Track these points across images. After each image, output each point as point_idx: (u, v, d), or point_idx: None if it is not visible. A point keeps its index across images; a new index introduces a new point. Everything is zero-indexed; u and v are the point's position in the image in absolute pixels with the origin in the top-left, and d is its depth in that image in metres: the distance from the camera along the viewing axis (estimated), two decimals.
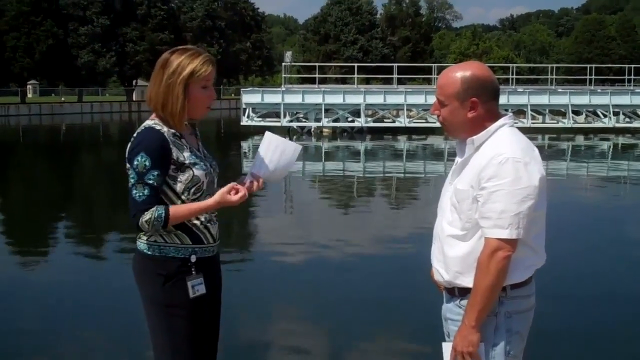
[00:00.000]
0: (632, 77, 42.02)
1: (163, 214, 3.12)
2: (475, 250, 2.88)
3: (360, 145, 31.88)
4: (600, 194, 17.60)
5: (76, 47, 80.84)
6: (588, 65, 43.90)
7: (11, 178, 21.72)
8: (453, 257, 2.97)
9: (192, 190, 3.21)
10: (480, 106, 2.92)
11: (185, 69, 3.18)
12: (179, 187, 3.20)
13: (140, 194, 3.12)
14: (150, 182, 3.11)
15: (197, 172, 3.22)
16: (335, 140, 34.55)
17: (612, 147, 32.00)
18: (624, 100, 37.78)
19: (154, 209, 3.11)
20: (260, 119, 37.30)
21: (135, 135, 3.22)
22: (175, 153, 3.17)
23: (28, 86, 73.73)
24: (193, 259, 3.24)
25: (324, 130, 36.93)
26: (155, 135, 3.17)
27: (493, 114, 2.97)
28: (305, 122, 37.69)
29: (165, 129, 3.21)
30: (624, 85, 44.14)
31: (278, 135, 3.40)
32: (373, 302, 7.59)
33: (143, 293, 3.30)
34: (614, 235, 11.78)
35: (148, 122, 3.26)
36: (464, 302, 2.95)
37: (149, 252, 3.25)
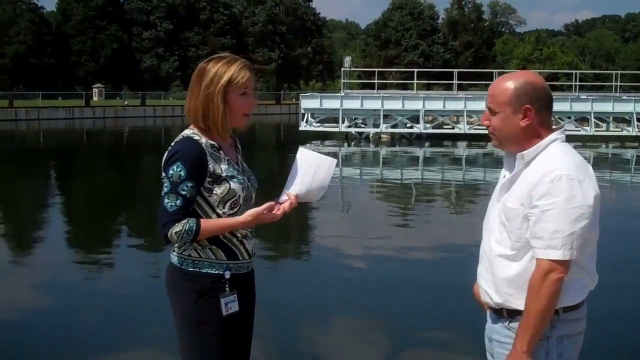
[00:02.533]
0: None
1: (194, 227, 3.05)
2: (527, 271, 2.77)
3: (419, 152, 31.67)
4: None
5: (140, 52, 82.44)
6: None
7: (75, 180, 22.11)
8: (503, 278, 2.86)
9: (229, 204, 3.15)
10: (534, 115, 2.80)
11: (223, 77, 3.13)
12: (214, 199, 3.13)
13: (172, 204, 3.06)
14: (184, 193, 3.05)
15: (234, 185, 3.15)
16: (393, 146, 34.36)
17: None
18: None
19: (184, 221, 3.05)
20: (319, 124, 37.32)
21: (172, 144, 3.16)
22: (212, 165, 3.11)
23: (94, 89, 75.07)
24: (227, 275, 3.16)
25: (383, 136, 36.78)
26: (193, 146, 3.11)
27: (546, 126, 2.85)
28: (363, 127, 37.56)
29: (203, 140, 3.15)
30: None
31: (312, 151, 3.32)
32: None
33: (175, 308, 3.24)
34: None
35: (187, 132, 3.20)
36: (513, 324, 2.84)
37: (182, 267, 3.19)
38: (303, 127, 36.95)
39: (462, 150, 33.10)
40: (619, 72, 46.80)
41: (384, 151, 32.08)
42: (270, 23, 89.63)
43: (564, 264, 2.68)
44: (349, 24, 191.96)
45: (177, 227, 3.05)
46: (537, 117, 2.81)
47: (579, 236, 2.67)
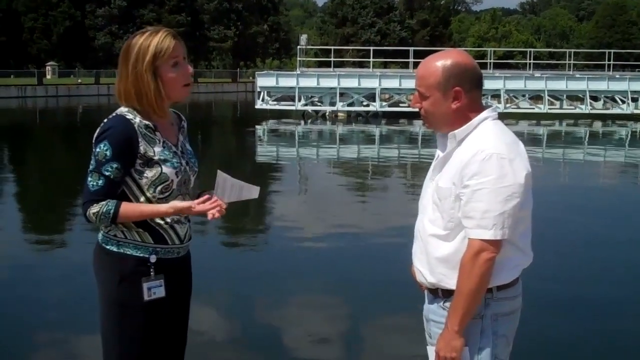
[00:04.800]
0: None
1: (112, 210, 2.93)
2: (460, 251, 2.73)
3: (375, 130, 31.71)
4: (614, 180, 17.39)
5: (93, 29, 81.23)
6: (607, 51, 43.39)
7: (27, 159, 21.75)
8: (437, 257, 2.83)
9: (160, 188, 3.01)
10: (464, 96, 2.75)
11: (148, 53, 2.96)
12: (144, 182, 2.99)
13: (94, 183, 2.94)
14: (107, 173, 2.92)
15: (166, 169, 3.01)
16: (350, 124, 34.37)
17: (629, 134, 31.63)
18: None
19: (104, 202, 2.93)
20: (275, 102, 37.21)
21: (105, 120, 3.01)
22: (143, 147, 2.96)
23: (47, 68, 73.68)
24: (153, 259, 3.03)
25: (339, 114, 36.75)
26: (123, 126, 2.96)
27: (477, 105, 2.81)
28: (320, 106, 37.52)
29: (137, 120, 2.99)
30: None
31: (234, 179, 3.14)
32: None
33: (98, 289, 3.12)
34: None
35: (122, 109, 3.04)
36: (448, 304, 2.81)
37: (107, 247, 3.06)
38: (259, 105, 36.82)
39: (417, 128, 33.19)
40: (572, 50, 47.33)
41: (340, 129, 32.07)
42: (226, 0, 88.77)
43: (495, 244, 2.66)
44: (305, 1, 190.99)
45: (95, 208, 2.94)
46: (467, 98, 2.77)
47: (510, 215, 2.65)
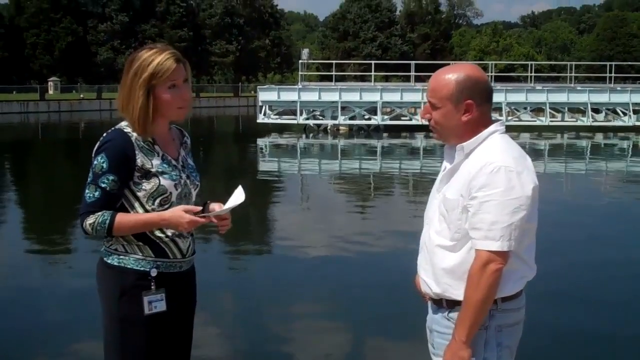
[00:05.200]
0: None
1: (107, 221, 2.95)
2: (466, 262, 2.77)
3: (376, 144, 31.73)
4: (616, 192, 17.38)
5: (95, 44, 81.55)
6: (608, 63, 43.49)
7: (29, 174, 21.76)
8: (442, 268, 2.86)
9: (158, 200, 3.03)
10: (475, 109, 2.80)
11: (146, 71, 2.98)
12: (142, 194, 3.02)
13: (91, 195, 2.97)
14: (104, 185, 2.95)
15: (164, 181, 3.04)
16: (351, 138, 34.40)
17: (631, 145, 31.62)
18: None
19: (100, 213, 2.95)
20: (277, 116, 37.23)
21: (104, 134, 3.06)
22: (140, 159, 3.00)
23: (49, 83, 73.95)
24: (154, 273, 3.04)
25: (341, 128, 36.77)
26: (121, 138, 3.01)
27: (486, 119, 2.86)
28: (321, 119, 37.53)
29: (135, 134, 3.03)
30: None
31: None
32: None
33: (101, 302, 3.14)
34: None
35: (122, 123, 3.09)
36: (453, 314, 2.85)
37: (108, 260, 3.08)
38: (261, 119, 36.82)
39: (419, 141, 33.23)
40: (573, 63, 47.26)
41: (342, 143, 32.08)
42: (228, 15, 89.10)
43: (502, 255, 2.69)
44: (307, 15, 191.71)
45: (91, 219, 2.96)
46: (478, 111, 2.81)
47: (518, 227, 2.68)
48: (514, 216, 2.67)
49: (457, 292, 2.80)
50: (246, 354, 6.27)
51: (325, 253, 10.19)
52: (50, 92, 71.67)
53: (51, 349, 6.26)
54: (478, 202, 2.70)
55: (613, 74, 40.75)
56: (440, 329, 2.92)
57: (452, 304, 2.85)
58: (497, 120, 2.92)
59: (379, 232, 11.68)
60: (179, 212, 2.97)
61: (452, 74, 2.83)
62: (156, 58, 2.99)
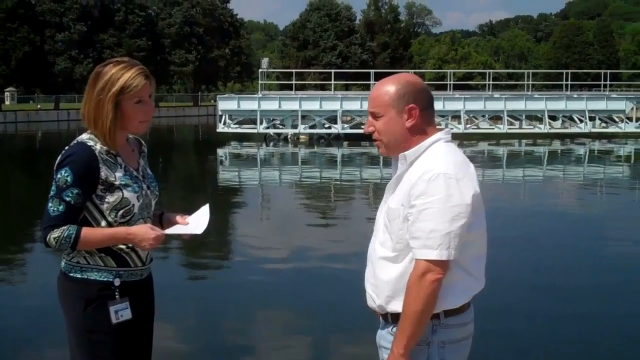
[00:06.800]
0: (608, 82, 42.29)
1: (73, 235, 2.96)
2: (407, 274, 2.68)
3: (337, 152, 31.80)
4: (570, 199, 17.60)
5: (53, 54, 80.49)
6: (565, 71, 44.12)
7: None
8: (385, 280, 2.78)
9: (121, 212, 3.06)
10: (419, 114, 2.75)
11: (115, 85, 3.01)
12: (105, 207, 3.04)
13: (55, 209, 2.97)
14: (68, 199, 2.96)
15: (127, 194, 3.06)
16: (312, 147, 34.44)
17: (587, 152, 32.08)
18: (600, 105, 37.92)
19: (65, 227, 2.95)
20: (236, 125, 37.18)
21: (67, 147, 3.07)
22: (104, 172, 3.02)
23: (6, 93, 72.86)
24: (117, 282, 3.07)
25: (301, 137, 36.81)
26: (85, 152, 3.02)
27: (430, 126, 2.80)
28: (282, 128, 37.55)
29: (98, 146, 3.05)
30: (601, 91, 44.35)
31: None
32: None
33: (65, 316, 3.13)
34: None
35: (83, 136, 3.10)
36: (396, 329, 2.73)
37: (70, 274, 3.09)
38: (221, 128, 36.75)
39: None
40: (531, 71, 47.99)
41: (302, 152, 32.11)
42: (187, 24, 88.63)
43: (441, 265, 2.61)
44: (267, 25, 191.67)
45: (56, 233, 2.96)
46: (421, 116, 2.76)
47: (457, 235, 2.61)
48: (453, 224, 2.60)
49: (399, 305, 2.70)
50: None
51: (284, 262, 10.16)
52: (7, 102, 70.56)
53: None
54: (417, 210, 2.63)
55: (569, 82, 41.36)
56: (386, 344, 2.82)
57: (396, 318, 2.74)
58: (442, 129, 2.87)
59: (338, 241, 11.68)
60: (145, 228, 3.03)
61: (392, 82, 2.80)
62: (125, 73, 3.04)
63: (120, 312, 3.06)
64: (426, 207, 2.61)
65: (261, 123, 36.47)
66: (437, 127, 2.86)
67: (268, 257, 10.58)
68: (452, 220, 2.60)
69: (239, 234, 12.91)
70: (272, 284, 9.01)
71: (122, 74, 3.03)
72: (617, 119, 38.55)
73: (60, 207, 2.97)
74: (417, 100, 2.75)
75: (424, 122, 2.77)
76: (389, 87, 2.78)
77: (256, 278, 9.32)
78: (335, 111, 36.23)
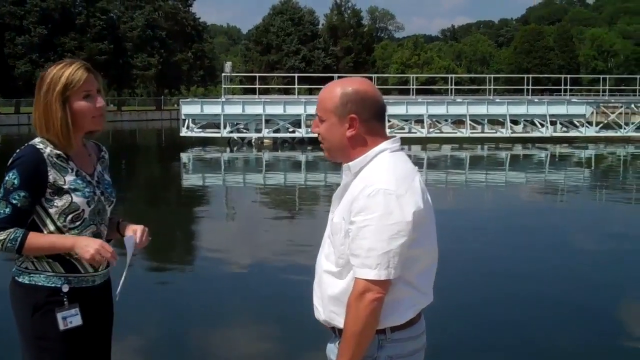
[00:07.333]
0: (569, 87, 42.79)
1: (19, 239, 2.93)
2: (350, 290, 2.59)
3: (301, 156, 31.81)
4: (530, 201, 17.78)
5: (13, 58, 79.44)
6: (526, 76, 44.60)
7: None
8: (328, 295, 2.70)
9: (70, 217, 3.03)
10: (360, 125, 2.65)
11: (58, 84, 3.01)
12: (53, 211, 3.01)
13: (1, 211, 2.95)
14: (14, 202, 2.94)
15: (77, 198, 3.03)
16: (276, 151, 34.42)
17: (548, 156, 32.44)
18: (561, 110, 38.33)
19: (11, 230, 2.93)
20: (200, 130, 37.01)
21: (17, 150, 3.05)
22: (52, 176, 2.99)
23: None
24: (65, 288, 3.03)
25: (265, 141, 36.75)
26: (34, 156, 2.99)
27: (375, 136, 2.69)
28: (245, 133, 37.46)
29: (48, 150, 3.02)
30: (561, 95, 44.90)
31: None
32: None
33: (16, 323, 3.10)
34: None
35: (35, 140, 3.08)
36: None
37: (19, 279, 3.06)
38: (184, 132, 36.53)
39: None
40: (492, 76, 48.31)
41: (266, 156, 32.07)
42: (149, 28, 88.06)
43: (380, 284, 2.51)
44: (230, 28, 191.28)
45: (2, 236, 2.93)
46: (363, 127, 2.66)
47: (397, 254, 2.50)
48: (392, 243, 2.49)
49: (342, 321, 2.62)
50: None
51: (248, 267, 10.14)
52: None
53: None
54: (356, 227, 2.54)
55: (530, 86, 41.84)
56: (334, 357, 2.73)
57: (340, 333, 2.65)
58: (391, 137, 2.74)
59: (303, 245, 11.68)
60: (91, 240, 2.99)
61: (339, 87, 2.69)
62: (66, 70, 3.04)
63: (69, 318, 3.02)
64: (365, 224, 2.52)
65: (225, 127, 36.33)
66: (389, 136, 2.75)
67: (231, 261, 10.56)
68: (390, 239, 2.50)
69: (200, 238, 12.85)
70: (233, 287, 8.99)
71: (63, 72, 3.03)
72: (577, 124, 39.02)
73: (7, 210, 2.94)
74: (360, 110, 2.65)
75: (366, 132, 2.68)
76: (334, 93, 2.69)
77: (217, 282, 9.31)
78: (299, 115, 36.20)
